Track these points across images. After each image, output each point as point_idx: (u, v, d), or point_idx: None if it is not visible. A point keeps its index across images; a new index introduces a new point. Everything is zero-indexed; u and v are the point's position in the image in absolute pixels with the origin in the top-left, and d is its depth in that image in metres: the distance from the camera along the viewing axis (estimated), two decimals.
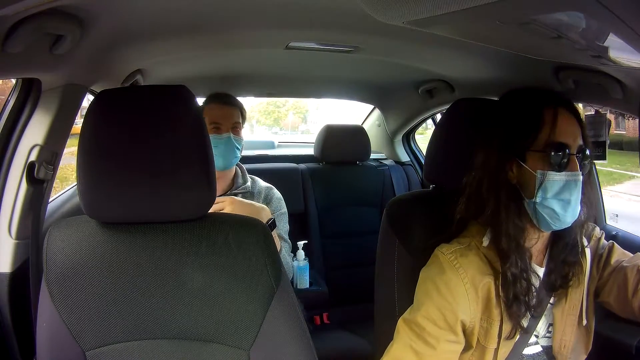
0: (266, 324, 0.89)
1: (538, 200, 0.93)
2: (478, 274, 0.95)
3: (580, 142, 0.95)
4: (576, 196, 0.92)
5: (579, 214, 0.96)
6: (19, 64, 0.93)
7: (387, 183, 2.44)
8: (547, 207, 0.92)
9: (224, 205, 1.42)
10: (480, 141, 1.01)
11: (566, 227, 0.95)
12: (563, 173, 0.92)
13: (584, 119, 1.00)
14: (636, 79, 1.01)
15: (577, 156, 0.93)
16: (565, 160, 0.92)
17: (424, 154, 1.79)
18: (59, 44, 0.95)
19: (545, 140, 0.93)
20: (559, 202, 0.92)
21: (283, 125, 15.89)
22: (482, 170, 0.98)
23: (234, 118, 1.64)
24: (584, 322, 1.02)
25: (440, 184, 1.22)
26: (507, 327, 0.95)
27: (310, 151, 2.50)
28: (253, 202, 1.51)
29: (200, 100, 1.67)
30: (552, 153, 0.92)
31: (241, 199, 1.49)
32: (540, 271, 1.00)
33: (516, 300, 0.93)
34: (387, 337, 0.97)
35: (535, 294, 0.96)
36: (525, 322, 0.97)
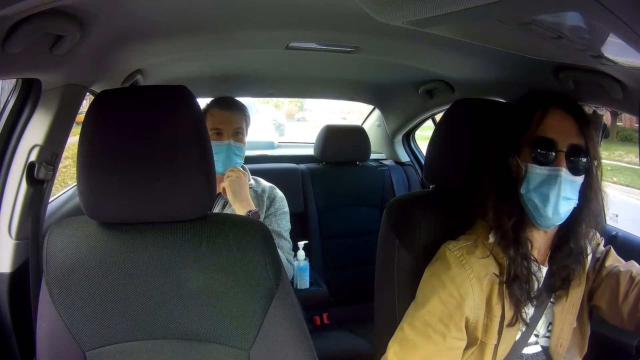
0: (266, 324, 0.89)
1: (523, 192, 0.97)
2: (483, 270, 0.97)
3: (575, 141, 0.95)
4: (556, 192, 0.94)
5: (571, 213, 0.97)
6: (19, 64, 0.93)
7: (387, 183, 2.44)
8: (530, 200, 0.96)
9: (230, 180, 1.52)
10: (485, 140, 1.05)
11: (551, 224, 0.97)
12: (544, 167, 0.95)
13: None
14: (636, 79, 1.01)
15: (566, 153, 0.94)
16: (552, 155, 0.95)
17: (424, 154, 1.79)
18: (59, 44, 0.94)
19: (533, 135, 0.97)
20: (538, 195, 0.95)
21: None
22: (486, 166, 1.03)
23: (236, 123, 1.62)
24: (574, 324, 1.02)
25: (440, 184, 1.22)
26: (508, 314, 0.97)
27: (310, 151, 2.50)
28: (249, 195, 1.55)
29: (200, 101, 1.67)
30: (536, 147, 0.96)
31: (247, 182, 1.56)
32: (543, 269, 1.01)
33: (517, 280, 0.95)
34: (387, 337, 0.97)
35: (536, 284, 0.98)
36: (526, 314, 0.98)
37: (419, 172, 2.64)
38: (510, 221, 0.97)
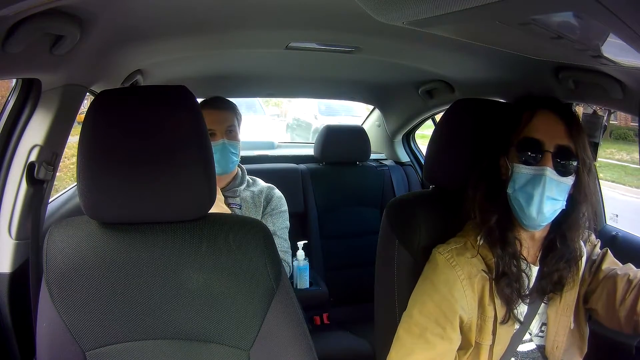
0: (266, 324, 0.89)
1: (509, 192, 0.97)
2: (474, 271, 0.98)
3: (563, 143, 0.95)
4: (540, 192, 0.93)
5: (560, 216, 0.97)
6: (19, 64, 0.93)
7: (387, 183, 2.44)
8: (515, 199, 0.97)
9: None
10: (481, 141, 1.05)
11: (536, 224, 0.96)
12: (529, 167, 0.95)
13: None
14: (636, 79, 1.01)
15: (553, 154, 0.94)
16: (537, 156, 0.95)
17: (424, 154, 1.79)
18: (59, 44, 0.94)
19: (520, 136, 0.98)
20: (523, 194, 0.95)
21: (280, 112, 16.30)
22: (477, 168, 1.04)
23: (228, 122, 1.63)
24: (571, 325, 1.02)
25: (440, 184, 1.22)
26: (500, 313, 0.97)
27: (310, 151, 2.50)
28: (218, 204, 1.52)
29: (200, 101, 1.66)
30: (522, 147, 0.97)
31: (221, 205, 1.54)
32: (534, 268, 1.01)
33: (505, 278, 0.96)
34: (387, 337, 0.98)
35: (526, 282, 0.99)
36: (518, 312, 0.99)
37: (419, 172, 2.63)
38: (494, 218, 0.98)
